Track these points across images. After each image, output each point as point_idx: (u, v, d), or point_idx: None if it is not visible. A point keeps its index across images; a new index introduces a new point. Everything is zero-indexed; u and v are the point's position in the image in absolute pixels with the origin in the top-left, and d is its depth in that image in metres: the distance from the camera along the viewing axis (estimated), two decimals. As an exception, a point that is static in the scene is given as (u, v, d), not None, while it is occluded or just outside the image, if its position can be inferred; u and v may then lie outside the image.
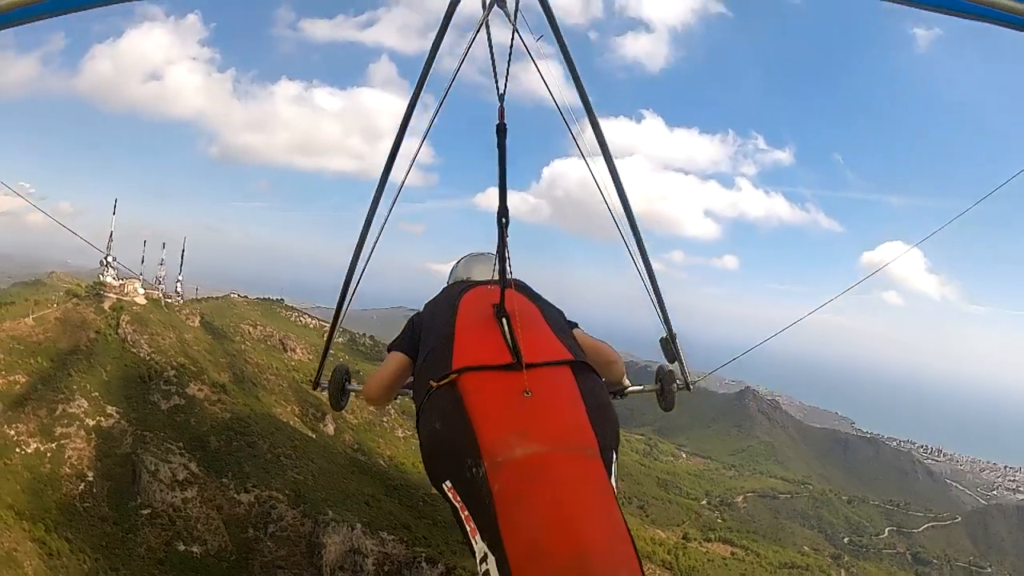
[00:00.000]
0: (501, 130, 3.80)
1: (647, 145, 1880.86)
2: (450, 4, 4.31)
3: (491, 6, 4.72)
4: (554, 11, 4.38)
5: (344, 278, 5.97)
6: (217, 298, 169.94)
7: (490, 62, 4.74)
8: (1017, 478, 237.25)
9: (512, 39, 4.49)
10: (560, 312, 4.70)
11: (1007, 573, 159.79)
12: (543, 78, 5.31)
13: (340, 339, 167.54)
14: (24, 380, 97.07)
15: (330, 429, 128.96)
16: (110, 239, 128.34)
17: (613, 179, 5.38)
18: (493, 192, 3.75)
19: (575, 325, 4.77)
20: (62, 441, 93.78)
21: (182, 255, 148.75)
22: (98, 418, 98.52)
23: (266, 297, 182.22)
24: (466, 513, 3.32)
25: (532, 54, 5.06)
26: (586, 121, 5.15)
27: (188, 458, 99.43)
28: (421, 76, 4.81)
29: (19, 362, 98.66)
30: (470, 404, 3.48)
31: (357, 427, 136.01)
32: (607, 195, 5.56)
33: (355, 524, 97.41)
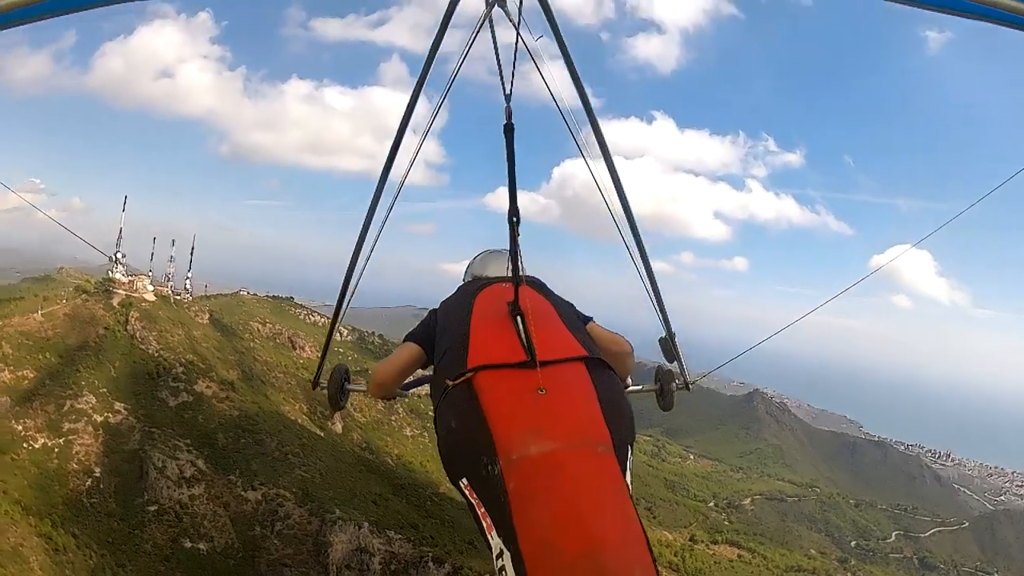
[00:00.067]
0: (508, 130, 3.74)
1: (658, 146, 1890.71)
2: (449, 4, 4.27)
3: (491, 6, 4.67)
4: (554, 12, 4.32)
5: (344, 277, 5.94)
6: (226, 295, 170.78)
7: (503, 59, 4.69)
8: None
9: (516, 40, 4.35)
10: (573, 308, 4.72)
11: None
12: (544, 78, 5.27)
13: (349, 337, 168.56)
14: (32, 375, 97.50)
15: (338, 428, 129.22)
16: (119, 236, 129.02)
17: (613, 180, 5.30)
18: (503, 192, 3.68)
19: (590, 319, 4.78)
20: (70, 437, 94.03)
21: (191, 252, 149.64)
22: (106, 414, 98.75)
23: (275, 295, 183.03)
24: (482, 510, 3.32)
25: (532, 54, 5.01)
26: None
27: (196, 455, 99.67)
28: (421, 75, 4.77)
29: (27, 357, 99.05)
30: (485, 402, 3.49)
31: (365, 426, 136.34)
32: (607, 196, 5.48)
33: (362, 523, 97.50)
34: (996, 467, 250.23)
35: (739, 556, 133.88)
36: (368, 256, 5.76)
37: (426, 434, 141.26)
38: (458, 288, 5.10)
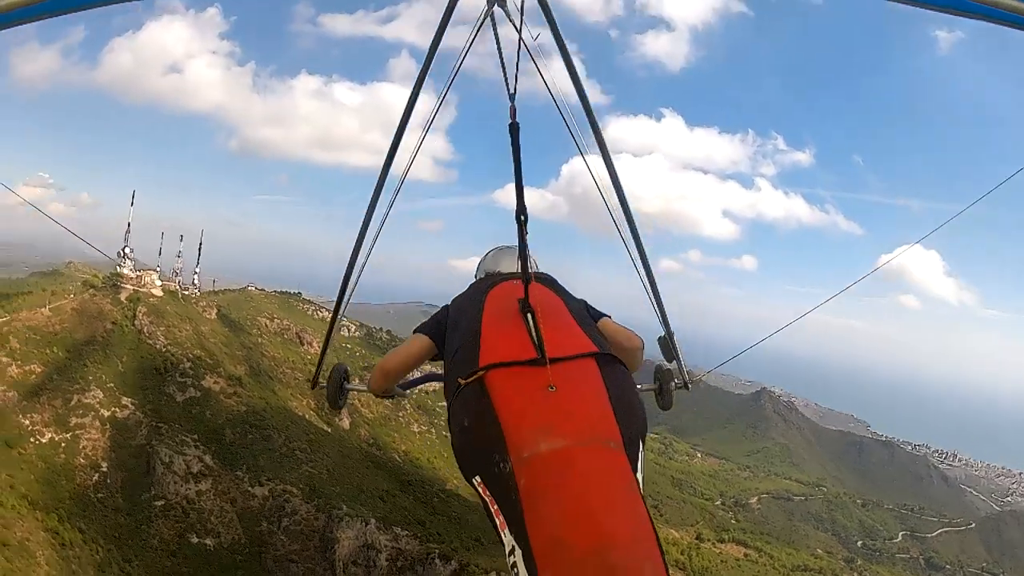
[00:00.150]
0: (514, 129, 3.77)
1: (667, 144, 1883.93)
2: (449, 3, 4.28)
3: (491, 5, 4.81)
4: (553, 12, 4.35)
5: (344, 274, 6.01)
6: (234, 291, 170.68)
7: (507, 58, 5.00)
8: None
9: (520, 39, 4.36)
10: (585, 304, 4.80)
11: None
12: (543, 78, 5.40)
13: (357, 333, 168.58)
14: (40, 370, 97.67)
15: (345, 423, 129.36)
16: (127, 231, 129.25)
17: (612, 178, 5.40)
18: (511, 188, 3.74)
19: (604, 316, 4.89)
20: (77, 431, 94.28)
21: (199, 247, 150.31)
22: (113, 409, 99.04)
23: (284, 290, 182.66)
24: (495, 507, 3.38)
25: (532, 54, 5.11)
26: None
27: (203, 450, 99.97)
28: (420, 74, 4.83)
29: (35, 352, 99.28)
30: (496, 400, 3.54)
31: (373, 421, 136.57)
32: (606, 195, 5.66)
33: (369, 519, 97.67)
34: (1003, 468, 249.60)
35: (745, 555, 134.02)
36: (368, 253, 5.84)
37: (433, 430, 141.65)
38: (470, 285, 5.14)
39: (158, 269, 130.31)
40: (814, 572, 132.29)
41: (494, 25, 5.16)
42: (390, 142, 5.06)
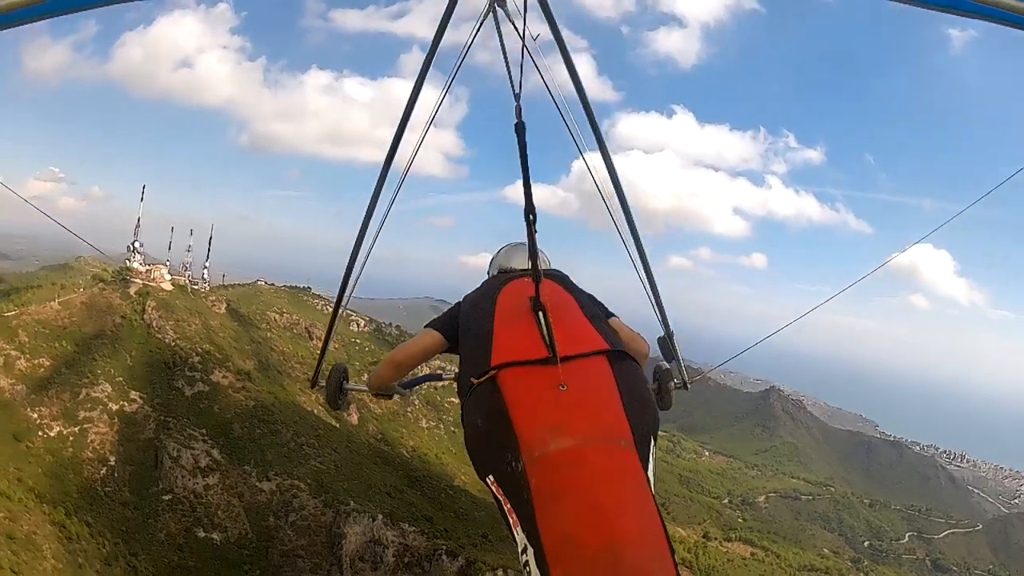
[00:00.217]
0: (520, 129, 3.81)
1: (678, 141, 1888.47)
2: (449, 4, 4.31)
3: (491, 5, 4.89)
4: (554, 11, 4.36)
5: (344, 272, 5.97)
6: (244, 285, 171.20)
7: (513, 58, 5.01)
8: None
9: (523, 39, 4.49)
10: (596, 301, 4.81)
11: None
12: (543, 78, 5.39)
13: (367, 328, 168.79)
14: (48, 364, 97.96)
15: (354, 419, 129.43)
16: (137, 225, 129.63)
17: (611, 177, 5.44)
18: (521, 185, 3.78)
19: (613, 316, 4.84)
20: (85, 425, 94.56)
21: (209, 242, 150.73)
22: (121, 403, 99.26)
23: (293, 285, 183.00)
24: (508, 506, 3.42)
25: (532, 54, 5.10)
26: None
27: (211, 445, 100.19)
28: (420, 73, 4.85)
29: (44, 345, 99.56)
30: (508, 400, 3.58)
31: (381, 417, 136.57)
32: (607, 195, 5.68)
33: (376, 515, 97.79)
34: (1011, 470, 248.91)
35: (752, 554, 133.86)
36: (369, 249, 5.80)
37: (442, 426, 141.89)
38: (483, 283, 5.14)
39: (168, 263, 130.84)
40: (820, 572, 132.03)
41: (497, 24, 5.15)
42: (392, 143, 5.05)
